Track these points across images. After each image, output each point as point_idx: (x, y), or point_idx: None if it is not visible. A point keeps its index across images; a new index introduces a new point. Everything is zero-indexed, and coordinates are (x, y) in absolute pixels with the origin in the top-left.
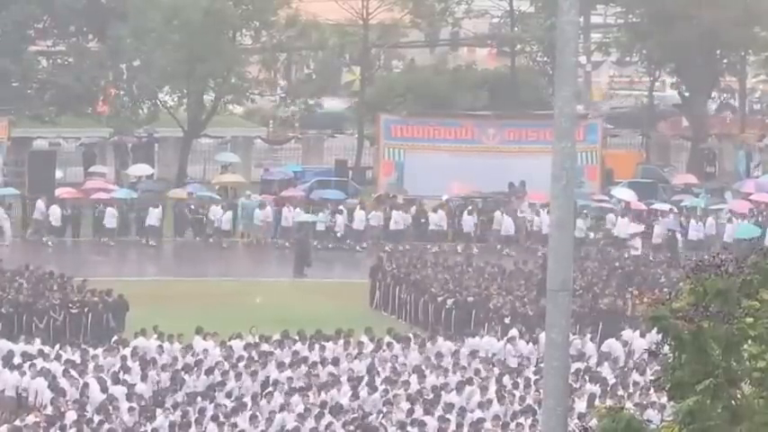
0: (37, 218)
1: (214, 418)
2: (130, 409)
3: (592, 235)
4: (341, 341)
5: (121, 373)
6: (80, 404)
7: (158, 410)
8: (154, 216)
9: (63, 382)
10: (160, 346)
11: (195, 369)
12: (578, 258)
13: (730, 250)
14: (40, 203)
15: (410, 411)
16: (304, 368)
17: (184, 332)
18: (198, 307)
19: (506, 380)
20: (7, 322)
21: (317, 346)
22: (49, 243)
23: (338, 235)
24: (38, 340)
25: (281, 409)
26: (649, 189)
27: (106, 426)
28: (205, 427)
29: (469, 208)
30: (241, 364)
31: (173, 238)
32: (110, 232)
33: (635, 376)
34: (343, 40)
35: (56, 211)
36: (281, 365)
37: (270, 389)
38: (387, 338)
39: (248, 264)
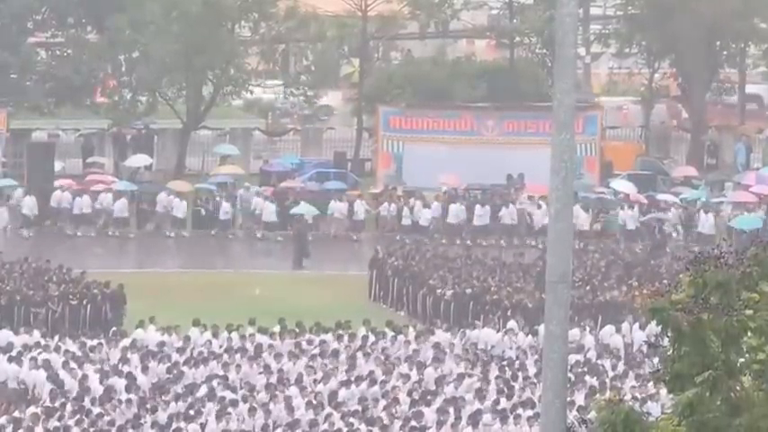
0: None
1: (212, 410)
2: (129, 401)
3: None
4: (340, 333)
5: (121, 364)
6: (79, 396)
7: (158, 403)
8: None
9: (62, 374)
10: (161, 341)
11: (193, 361)
12: (577, 250)
13: (730, 242)
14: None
15: (409, 403)
16: (302, 360)
17: (182, 324)
18: (196, 299)
19: (505, 372)
20: (6, 314)
21: (315, 339)
22: (25, 234)
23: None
24: (36, 332)
25: (280, 400)
26: (649, 181)
27: (105, 418)
28: (205, 420)
29: (456, 200)
30: (239, 356)
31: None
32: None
33: (635, 368)
34: (341, 31)
35: (29, 202)
36: (279, 357)
37: (268, 381)
38: (386, 330)
39: (247, 255)
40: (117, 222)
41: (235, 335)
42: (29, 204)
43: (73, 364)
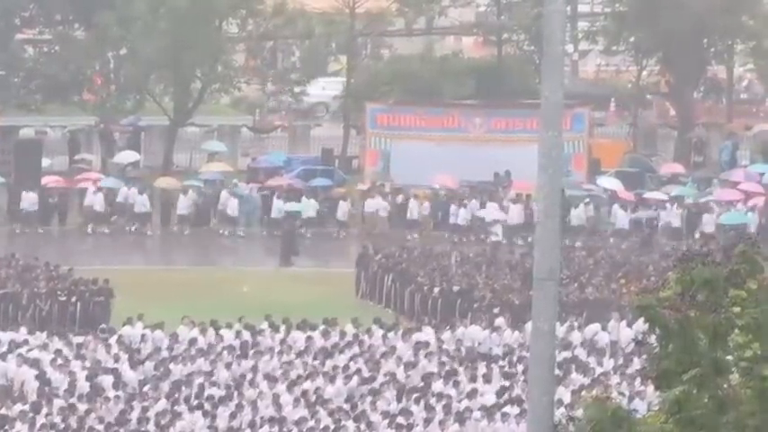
0: None
1: (200, 407)
2: (117, 398)
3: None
4: (327, 330)
5: (108, 361)
6: (67, 393)
7: (145, 400)
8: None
9: (50, 371)
10: (144, 335)
11: (181, 358)
12: (565, 247)
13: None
14: None
15: (397, 401)
16: (290, 357)
17: (171, 321)
18: (184, 296)
19: (493, 369)
20: None
21: (302, 336)
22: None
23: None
24: (23, 329)
25: (267, 397)
26: (636, 178)
27: (93, 415)
28: (193, 417)
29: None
30: (227, 354)
31: (159, 227)
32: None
33: (622, 365)
34: (329, 28)
35: (101, 200)
36: (266, 354)
37: (255, 378)
38: (373, 327)
39: (235, 252)
40: (180, 220)
41: (223, 332)
42: (101, 202)
43: (61, 361)
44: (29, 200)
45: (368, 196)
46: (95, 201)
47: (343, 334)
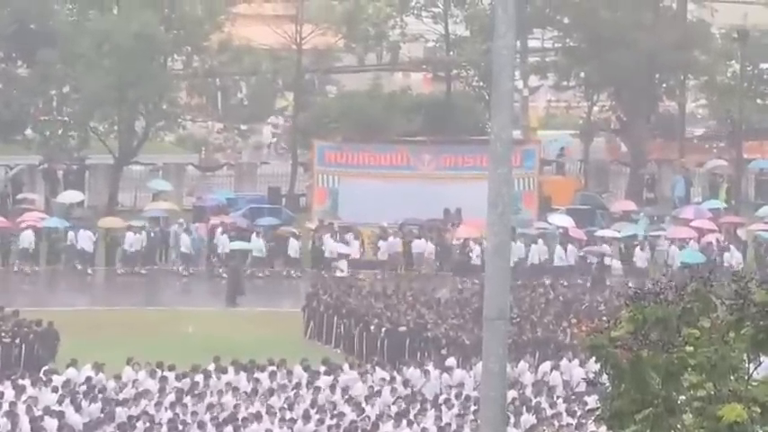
0: None
1: None
2: None
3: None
4: (274, 371)
5: (53, 404)
6: None
7: None
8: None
9: None
10: (90, 378)
11: (126, 400)
12: (516, 286)
13: (669, 277)
14: None
15: None
16: (237, 398)
17: (116, 362)
18: (129, 337)
19: (442, 410)
20: None
21: (250, 377)
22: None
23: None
24: None
25: None
26: (587, 216)
27: None
28: None
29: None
30: (173, 395)
31: (104, 267)
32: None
33: (573, 406)
34: (276, 65)
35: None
36: (214, 395)
37: (201, 420)
38: (321, 368)
39: (180, 292)
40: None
41: (168, 374)
42: (186, 243)
43: (4, 405)
44: None
45: (318, 234)
46: (183, 242)
47: (290, 375)
